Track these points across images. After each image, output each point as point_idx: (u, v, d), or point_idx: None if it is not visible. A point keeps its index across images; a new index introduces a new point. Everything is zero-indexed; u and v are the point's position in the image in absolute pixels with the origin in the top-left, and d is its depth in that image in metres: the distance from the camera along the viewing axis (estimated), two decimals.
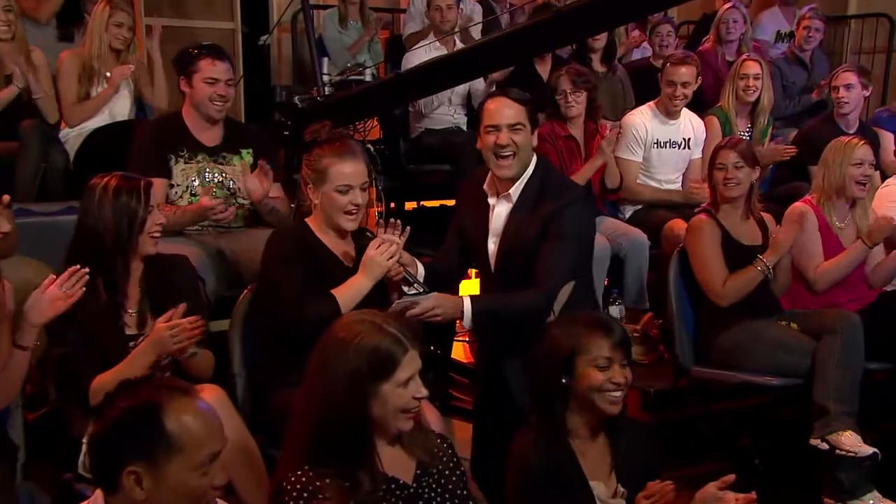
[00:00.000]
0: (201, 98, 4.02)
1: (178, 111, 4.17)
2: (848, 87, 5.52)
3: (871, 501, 3.70)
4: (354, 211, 3.25)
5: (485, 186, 3.51)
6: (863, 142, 4.35)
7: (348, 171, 3.23)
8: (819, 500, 3.79)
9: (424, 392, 2.29)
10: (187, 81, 4.05)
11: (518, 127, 3.32)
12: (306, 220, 3.40)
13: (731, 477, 2.56)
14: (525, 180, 3.39)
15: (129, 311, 3.09)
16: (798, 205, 4.36)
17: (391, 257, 3.13)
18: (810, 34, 6.56)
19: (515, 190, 3.40)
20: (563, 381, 2.62)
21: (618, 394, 2.66)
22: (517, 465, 2.62)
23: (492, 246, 3.48)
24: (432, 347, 5.43)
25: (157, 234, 3.10)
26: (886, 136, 5.76)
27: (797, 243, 4.17)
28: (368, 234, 3.49)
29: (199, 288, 3.43)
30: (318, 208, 3.31)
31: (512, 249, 3.38)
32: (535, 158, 3.43)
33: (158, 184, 3.72)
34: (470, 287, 5.29)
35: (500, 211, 3.46)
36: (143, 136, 4.08)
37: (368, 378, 2.22)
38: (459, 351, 5.90)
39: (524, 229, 3.33)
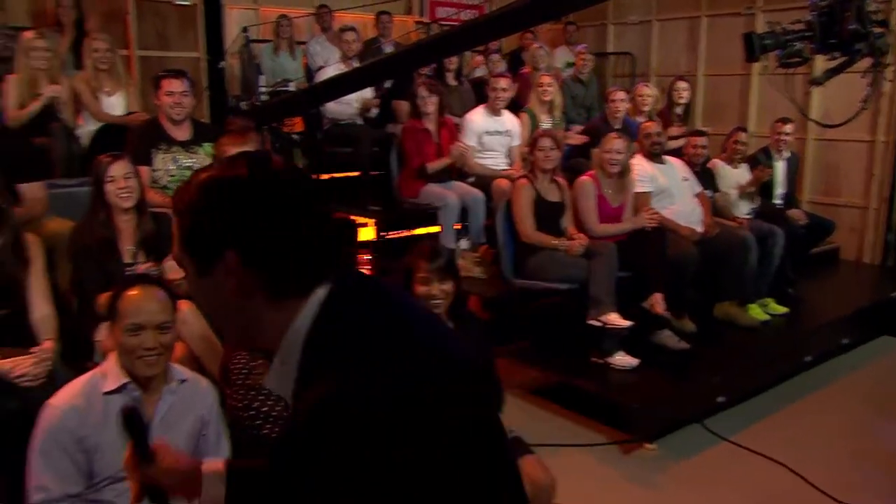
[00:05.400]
0: (163, 105, 3.91)
1: (155, 117, 4.04)
2: (621, 101, 5.65)
3: (619, 356, 3.92)
4: None
5: None
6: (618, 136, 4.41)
7: (230, 153, 3.16)
8: (588, 359, 3.98)
9: None
10: (156, 95, 3.95)
11: None
12: None
13: None
14: None
15: (127, 247, 3.02)
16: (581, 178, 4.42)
17: None
18: (584, 62, 6.67)
19: None
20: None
21: (437, 302, 2.58)
22: None
23: None
24: None
25: (124, 196, 3.00)
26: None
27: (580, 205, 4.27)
28: None
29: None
30: None
31: None
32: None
33: (143, 171, 3.60)
34: None
35: None
36: (132, 137, 3.97)
37: None
38: None
39: None
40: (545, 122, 5.60)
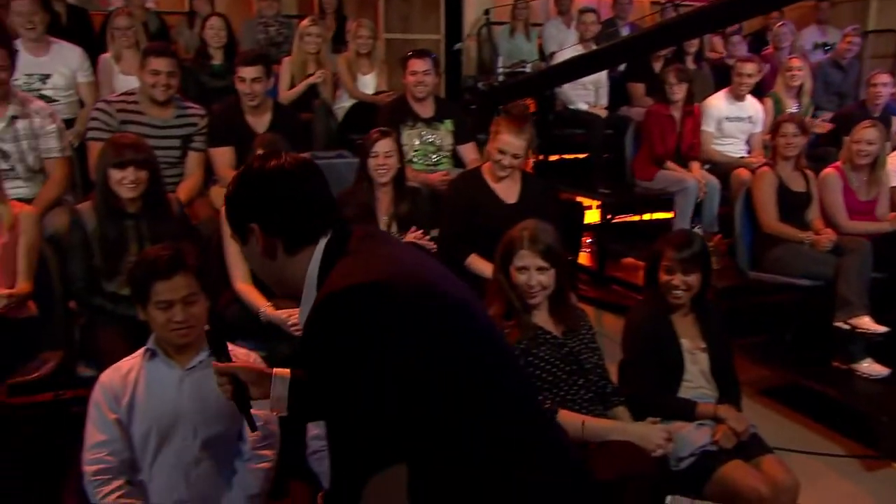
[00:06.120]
0: (408, 84, 4.10)
1: (403, 94, 4.25)
2: (884, 85, 5.10)
3: (867, 364, 3.60)
4: (505, 161, 3.20)
5: None
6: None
7: (507, 140, 3.20)
8: (829, 364, 3.69)
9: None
10: (403, 75, 4.15)
11: None
12: (482, 166, 3.41)
13: None
14: None
15: (383, 217, 3.23)
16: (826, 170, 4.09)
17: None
18: (850, 47, 6.01)
19: None
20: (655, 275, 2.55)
21: (677, 293, 2.50)
22: (630, 326, 2.59)
23: None
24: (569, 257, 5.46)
25: (381, 172, 3.18)
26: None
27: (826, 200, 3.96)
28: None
29: (430, 208, 3.45)
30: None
31: None
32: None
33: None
34: None
35: None
36: (382, 113, 4.21)
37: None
38: (584, 258, 5.92)
39: None
40: (791, 109, 5.22)
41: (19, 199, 3.11)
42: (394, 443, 1.23)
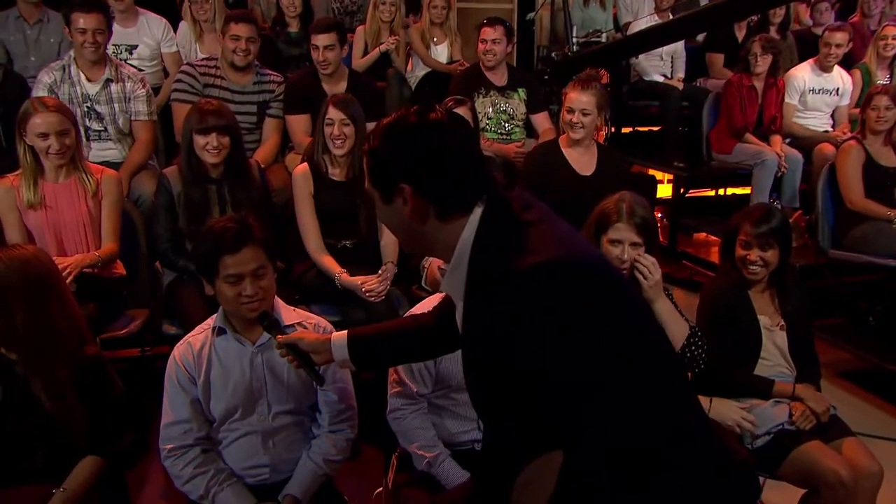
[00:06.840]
0: (479, 52, 4.09)
1: (476, 63, 4.22)
2: None
3: None
4: (574, 118, 3.17)
5: None
6: None
7: (574, 97, 3.15)
8: None
9: None
10: (476, 43, 4.14)
11: None
12: (560, 138, 3.36)
13: None
14: None
15: None
16: None
17: None
18: None
19: None
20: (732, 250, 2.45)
21: (754, 268, 2.39)
22: (705, 299, 2.49)
23: None
24: None
25: None
26: None
27: None
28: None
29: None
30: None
31: None
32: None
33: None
34: None
35: None
36: (455, 81, 4.20)
37: None
38: None
39: None
40: (882, 81, 4.95)
41: (108, 163, 3.22)
42: (559, 423, 1.17)
